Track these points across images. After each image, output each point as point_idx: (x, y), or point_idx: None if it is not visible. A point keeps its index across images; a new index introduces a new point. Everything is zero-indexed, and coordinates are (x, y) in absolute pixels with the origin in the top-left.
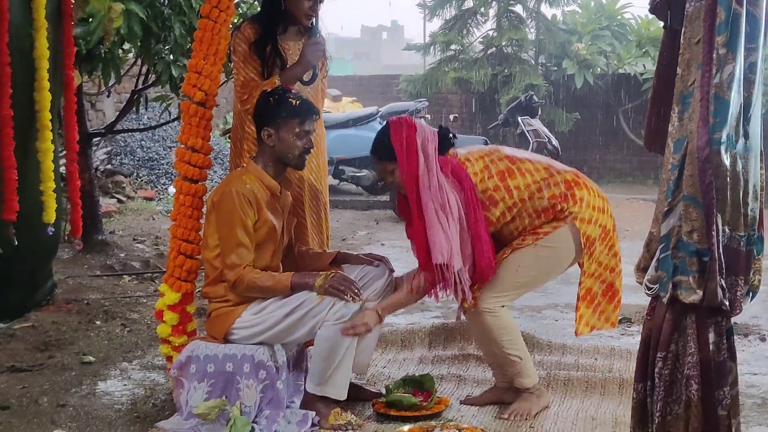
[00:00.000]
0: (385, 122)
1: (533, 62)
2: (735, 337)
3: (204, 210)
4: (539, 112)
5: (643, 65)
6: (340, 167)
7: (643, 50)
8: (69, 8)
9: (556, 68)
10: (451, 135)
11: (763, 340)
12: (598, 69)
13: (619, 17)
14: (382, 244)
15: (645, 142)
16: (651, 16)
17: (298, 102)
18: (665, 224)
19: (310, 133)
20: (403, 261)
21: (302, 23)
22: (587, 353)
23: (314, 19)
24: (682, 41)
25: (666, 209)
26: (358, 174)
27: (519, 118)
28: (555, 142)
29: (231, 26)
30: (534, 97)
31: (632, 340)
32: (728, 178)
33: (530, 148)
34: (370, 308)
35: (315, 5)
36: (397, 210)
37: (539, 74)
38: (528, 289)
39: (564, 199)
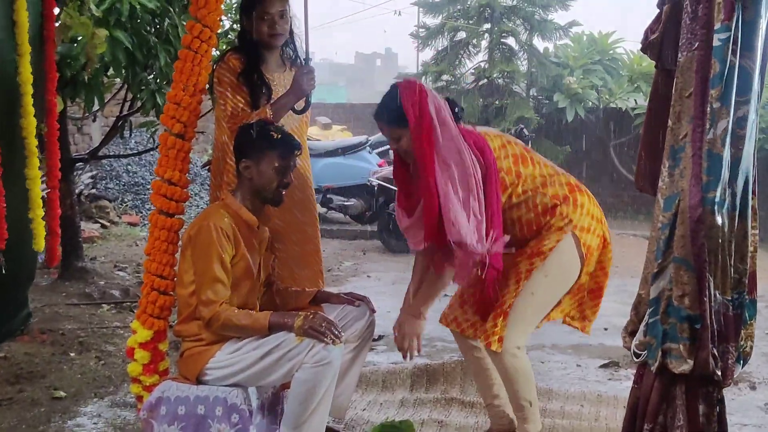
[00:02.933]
0: (391, 86)
1: (524, 95)
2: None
3: (180, 244)
4: (530, 145)
5: (635, 100)
6: (328, 196)
7: (635, 85)
8: (51, 33)
9: (547, 101)
10: (458, 109)
11: (753, 388)
12: (590, 103)
13: (611, 52)
14: (368, 276)
15: (636, 182)
16: None
17: (279, 135)
18: (654, 287)
19: (290, 168)
20: (389, 294)
21: (270, 45)
22: (573, 399)
23: (305, 48)
24: (673, 92)
25: (656, 270)
26: (346, 203)
27: None
28: None
29: (212, 58)
30: (524, 130)
31: (620, 386)
32: (720, 240)
33: None
34: (408, 316)
35: (274, 26)
36: (393, 176)
37: (530, 107)
38: (547, 311)
39: (565, 200)
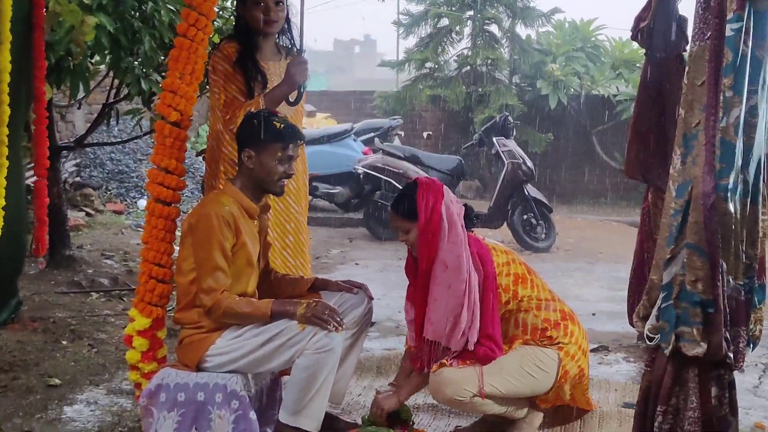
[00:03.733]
0: (413, 180)
1: (507, 82)
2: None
3: (178, 233)
4: (514, 133)
5: (617, 87)
6: (314, 184)
7: (617, 72)
8: (40, 21)
9: (530, 88)
10: (475, 216)
11: (741, 371)
12: (572, 90)
13: (594, 39)
14: (356, 264)
15: (626, 170)
16: (625, 39)
17: (283, 126)
18: (667, 272)
19: (292, 159)
20: (378, 282)
21: (265, 32)
22: None
23: (300, 38)
24: (685, 81)
25: (668, 257)
26: (332, 191)
27: (494, 139)
28: (529, 163)
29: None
30: (509, 118)
31: (610, 370)
32: (732, 226)
33: (505, 168)
34: (390, 393)
35: (268, 12)
36: (404, 269)
37: (513, 94)
38: (503, 403)
39: (556, 326)
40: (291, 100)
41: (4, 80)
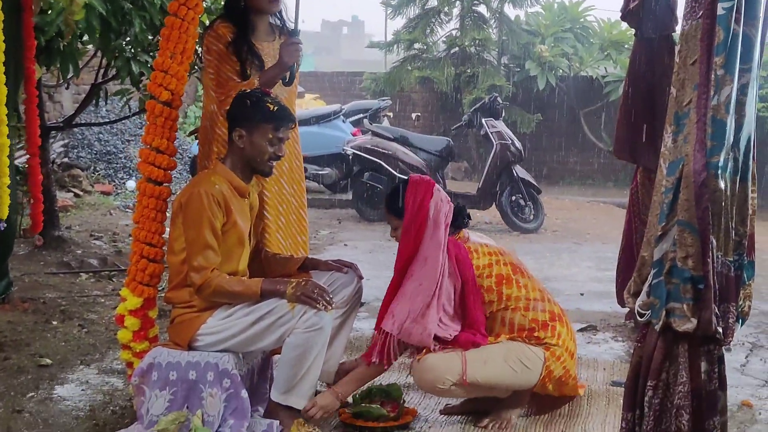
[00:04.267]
0: (408, 178)
1: (496, 63)
2: None
3: (169, 213)
4: (503, 114)
5: (605, 68)
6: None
7: (606, 53)
8: (29, 1)
9: (518, 69)
10: (465, 216)
11: (728, 350)
12: (560, 71)
13: (582, 20)
14: (345, 245)
15: (614, 150)
16: (614, 20)
17: (276, 108)
18: (658, 249)
19: (283, 140)
20: (367, 262)
21: (269, 11)
22: None
23: (295, 19)
24: (677, 60)
25: (659, 233)
26: (320, 172)
27: (483, 120)
28: (518, 144)
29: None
30: (498, 99)
31: (598, 349)
32: (723, 203)
33: (493, 149)
34: (328, 391)
35: None
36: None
37: (502, 75)
38: (484, 392)
39: (544, 327)
40: (285, 80)
41: None
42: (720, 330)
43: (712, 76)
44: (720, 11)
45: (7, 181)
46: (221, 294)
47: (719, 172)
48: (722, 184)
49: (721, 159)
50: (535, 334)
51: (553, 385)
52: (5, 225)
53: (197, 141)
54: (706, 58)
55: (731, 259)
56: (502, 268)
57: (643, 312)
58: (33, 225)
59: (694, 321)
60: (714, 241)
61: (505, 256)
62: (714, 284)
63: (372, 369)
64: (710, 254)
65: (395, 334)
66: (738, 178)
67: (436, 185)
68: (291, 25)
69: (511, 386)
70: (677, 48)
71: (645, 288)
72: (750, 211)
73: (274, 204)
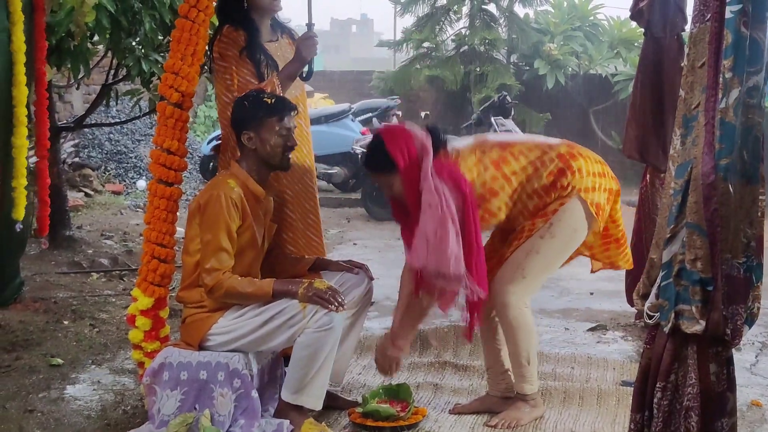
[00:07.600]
0: (375, 133)
1: (505, 62)
2: None
3: (179, 214)
4: (512, 113)
5: (615, 66)
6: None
7: (615, 51)
8: (41, 2)
9: (528, 68)
10: (441, 135)
11: (738, 350)
12: (570, 69)
13: (592, 18)
14: (354, 244)
15: (624, 149)
16: (624, 18)
17: (273, 100)
18: (667, 251)
19: (291, 129)
20: (376, 261)
21: (273, 9)
22: (564, 362)
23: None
24: (685, 62)
25: (668, 236)
26: (329, 171)
27: (492, 119)
28: None
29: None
30: (507, 97)
31: (608, 348)
32: (731, 205)
33: None
34: (391, 342)
35: None
36: (392, 215)
37: (511, 74)
38: (551, 272)
39: (562, 174)
40: (303, 75)
41: (19, 61)
42: (729, 332)
43: (720, 79)
44: (728, 15)
45: (25, 182)
46: (233, 295)
47: (728, 174)
48: (731, 187)
49: (730, 162)
50: (559, 184)
51: (608, 207)
52: (21, 226)
53: (207, 142)
54: (714, 61)
55: (740, 261)
56: (491, 153)
57: (652, 314)
58: (39, 228)
59: (703, 323)
60: (723, 243)
61: (487, 142)
62: (723, 286)
63: (418, 306)
64: (719, 256)
65: (419, 266)
66: (746, 180)
67: (406, 122)
68: (290, 25)
69: (573, 243)
70: (686, 51)
71: (654, 290)
72: (759, 213)
73: (283, 206)
